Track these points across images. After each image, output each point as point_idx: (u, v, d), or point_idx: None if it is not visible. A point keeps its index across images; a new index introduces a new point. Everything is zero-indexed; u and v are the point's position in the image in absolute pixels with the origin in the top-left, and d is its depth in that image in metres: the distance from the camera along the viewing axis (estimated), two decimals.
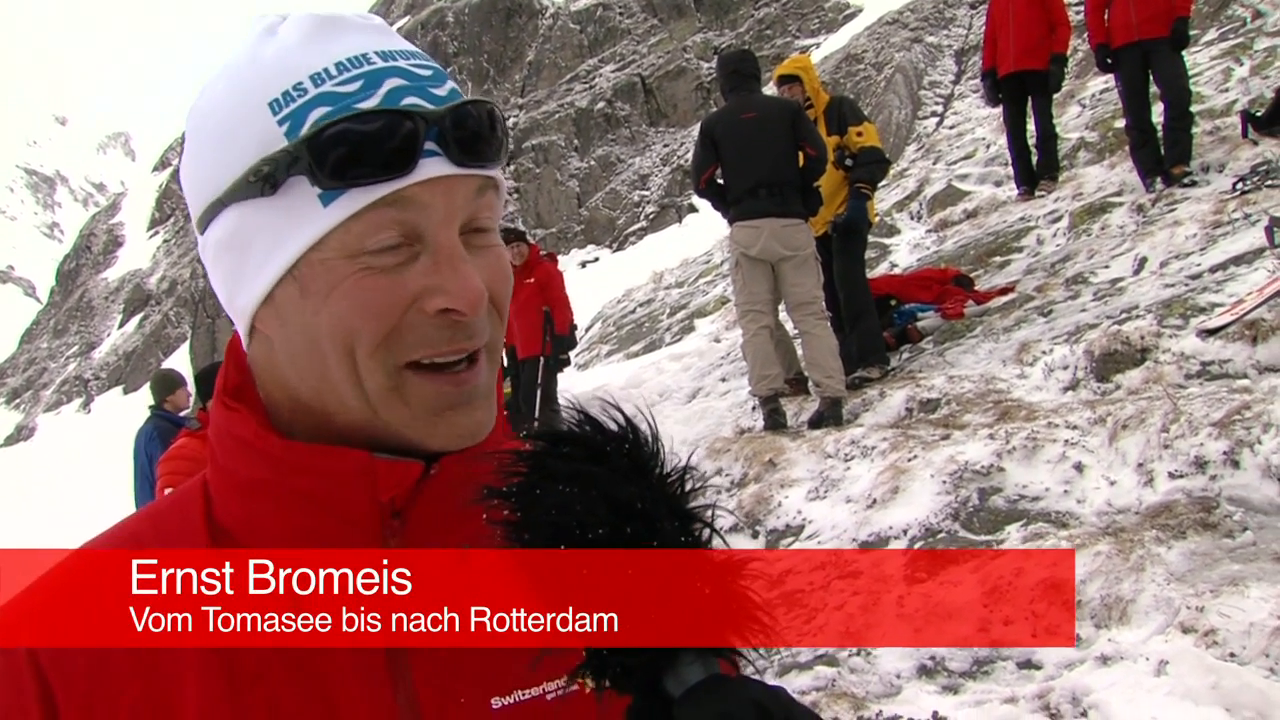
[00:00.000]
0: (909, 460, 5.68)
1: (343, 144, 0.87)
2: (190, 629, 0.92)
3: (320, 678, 0.93)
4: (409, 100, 0.92)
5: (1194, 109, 9.56)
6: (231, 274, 0.96)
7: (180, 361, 44.96)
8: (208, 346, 41.92)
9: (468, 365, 0.95)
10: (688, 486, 0.79)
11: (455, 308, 0.91)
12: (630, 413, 0.81)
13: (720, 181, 7.68)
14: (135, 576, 0.94)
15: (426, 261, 0.91)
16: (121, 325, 61.05)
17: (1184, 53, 9.46)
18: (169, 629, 0.91)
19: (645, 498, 0.75)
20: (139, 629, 0.91)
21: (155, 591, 0.93)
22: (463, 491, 0.95)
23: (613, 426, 0.79)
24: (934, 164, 16.52)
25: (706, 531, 0.78)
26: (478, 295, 0.92)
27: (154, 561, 0.96)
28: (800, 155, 7.46)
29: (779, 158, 7.42)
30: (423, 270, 0.91)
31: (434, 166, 0.90)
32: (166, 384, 8.94)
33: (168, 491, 5.66)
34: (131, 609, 0.92)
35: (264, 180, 0.90)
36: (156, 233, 69.90)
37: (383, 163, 0.88)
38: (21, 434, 54.87)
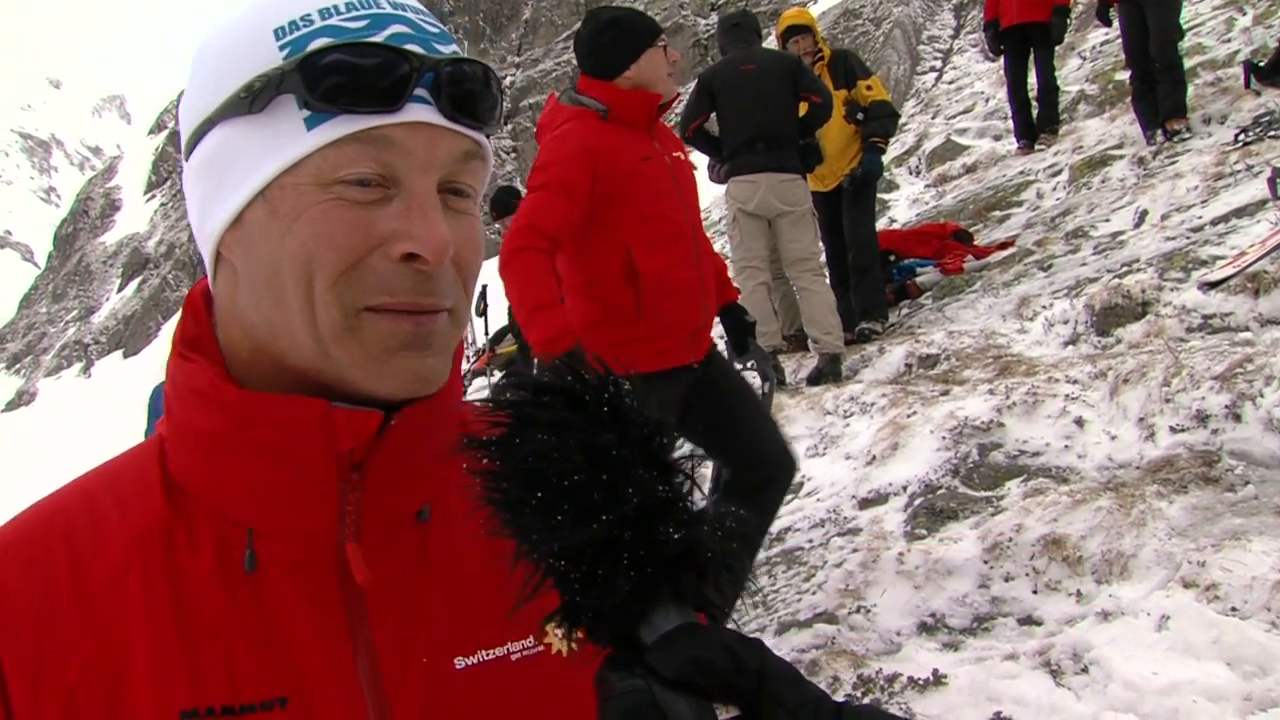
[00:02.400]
0: (908, 416, 5.65)
1: (336, 71, 0.88)
2: (139, 587, 0.92)
3: (278, 638, 0.92)
4: (410, 46, 0.92)
5: (1196, 60, 9.46)
6: (208, 194, 0.95)
7: None
8: None
9: (429, 313, 0.94)
10: (665, 438, 0.77)
11: (420, 253, 0.90)
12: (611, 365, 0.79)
13: (710, 132, 7.65)
14: (82, 533, 0.95)
15: (399, 205, 0.91)
16: (120, 289, 61.10)
17: (1184, 2, 9.34)
18: (117, 587, 0.92)
19: (622, 446, 0.74)
20: (86, 587, 0.92)
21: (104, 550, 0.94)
22: (423, 445, 0.95)
23: (593, 378, 0.78)
24: (933, 119, 16.43)
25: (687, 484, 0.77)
26: (443, 244, 0.90)
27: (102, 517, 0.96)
28: (802, 107, 7.40)
29: (777, 111, 7.36)
30: (394, 213, 0.91)
31: (421, 112, 0.91)
32: None
33: (151, 436, 5.75)
34: (78, 567, 0.93)
35: (254, 96, 0.90)
36: (154, 196, 69.82)
37: (372, 96, 0.88)
38: (22, 399, 55.05)
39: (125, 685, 0.88)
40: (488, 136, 0.99)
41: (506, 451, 0.75)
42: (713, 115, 7.65)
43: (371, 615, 0.94)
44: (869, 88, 8.25)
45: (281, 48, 0.91)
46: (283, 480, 0.94)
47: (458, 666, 0.95)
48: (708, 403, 4.01)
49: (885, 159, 9.22)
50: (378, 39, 0.91)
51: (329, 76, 0.88)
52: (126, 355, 50.53)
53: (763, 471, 4.02)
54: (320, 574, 0.95)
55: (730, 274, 4.61)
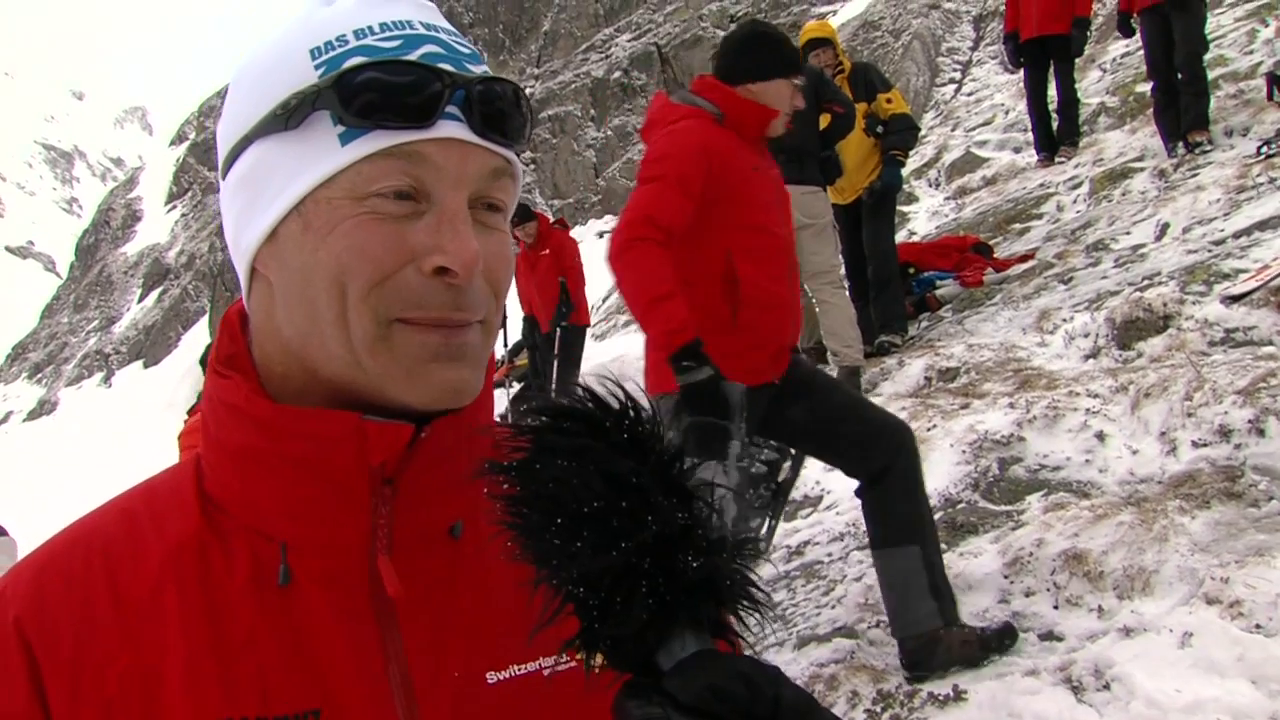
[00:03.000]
0: (928, 430, 5.64)
1: (370, 87, 0.91)
2: (175, 600, 0.94)
3: (311, 651, 0.93)
4: (442, 65, 0.94)
5: (1218, 72, 9.41)
6: (244, 210, 0.97)
7: (199, 335, 45.23)
8: None
9: (459, 325, 0.95)
10: (686, 465, 0.78)
11: (450, 267, 0.91)
12: (632, 390, 0.80)
13: None
14: (119, 548, 0.97)
15: (430, 220, 0.93)
16: (141, 300, 61.38)
17: (1208, 14, 9.30)
18: (153, 600, 0.94)
19: (642, 473, 0.74)
20: (123, 601, 0.94)
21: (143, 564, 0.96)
22: (455, 459, 0.97)
23: (614, 403, 0.78)
24: (952, 131, 16.40)
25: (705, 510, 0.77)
26: (473, 258, 0.92)
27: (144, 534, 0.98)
28: (824, 119, 7.39)
29: (800, 124, 7.35)
30: (425, 228, 0.92)
31: (453, 128, 0.93)
32: None
33: (188, 454, 5.77)
34: (116, 581, 0.95)
35: (290, 113, 0.93)
36: (174, 207, 70.15)
37: (405, 112, 0.91)
38: (44, 408, 55.29)
39: (161, 697, 0.90)
40: (517, 154, 1.00)
41: (527, 477, 0.75)
42: None
43: (403, 629, 0.95)
44: (889, 100, 8.26)
45: (317, 66, 0.94)
46: (315, 494, 0.95)
47: (489, 681, 0.96)
48: (801, 408, 3.91)
49: (905, 171, 9.21)
50: (411, 58, 0.93)
51: (363, 93, 0.91)
52: (147, 365, 50.71)
53: (875, 463, 3.87)
54: (353, 587, 0.96)
55: None
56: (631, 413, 0.78)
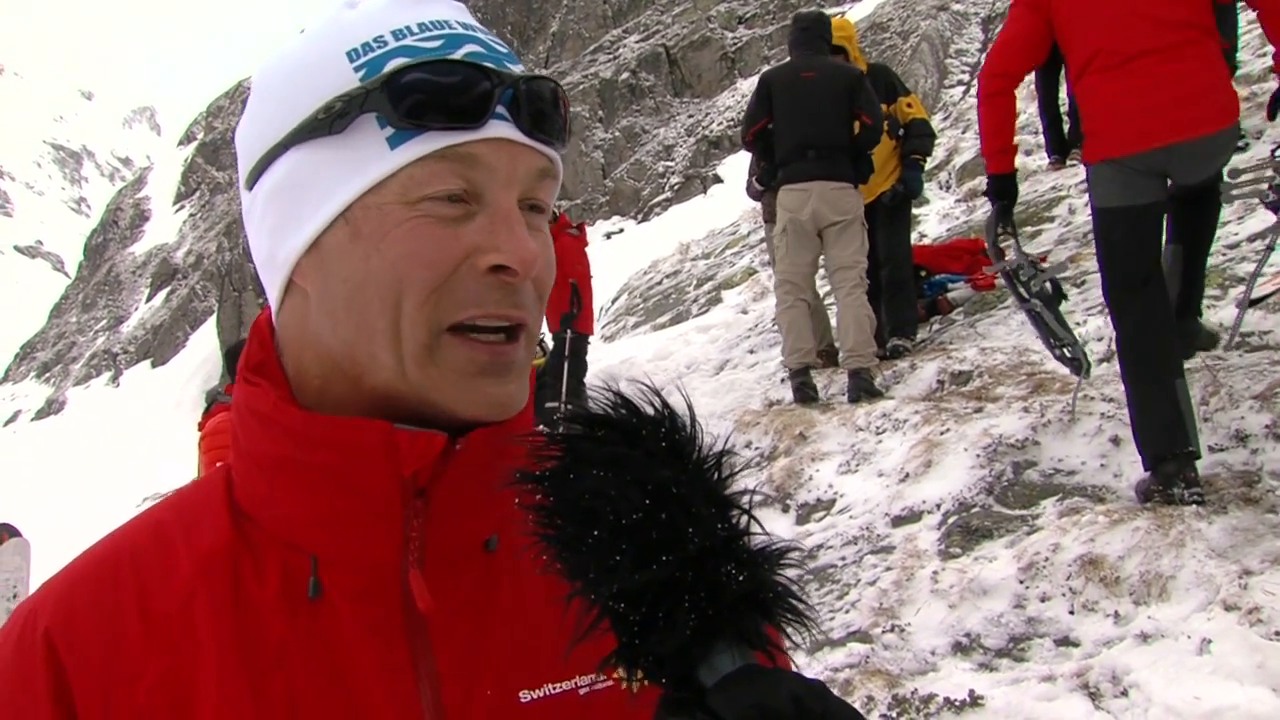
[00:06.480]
0: (942, 433, 5.62)
1: (419, 89, 0.88)
2: (205, 613, 0.92)
3: (341, 667, 0.91)
4: (487, 64, 0.92)
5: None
6: (281, 220, 0.95)
7: (207, 335, 45.33)
8: (234, 319, 42.18)
9: (506, 339, 0.94)
10: (725, 471, 0.76)
11: (508, 264, 0.90)
12: (667, 394, 0.78)
13: (769, 139, 7.65)
14: (150, 560, 0.96)
15: (483, 220, 0.91)
16: (149, 299, 61.60)
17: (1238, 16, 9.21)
18: (183, 613, 0.92)
19: (681, 482, 0.72)
20: (153, 614, 0.92)
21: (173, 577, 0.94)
22: (490, 472, 0.92)
23: (649, 409, 0.76)
24: (962, 133, 16.34)
25: (744, 518, 0.76)
26: (532, 255, 0.91)
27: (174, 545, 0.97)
28: (856, 124, 7.39)
29: (832, 121, 7.35)
30: (479, 228, 0.91)
31: (503, 128, 0.91)
32: None
33: (219, 465, 5.83)
34: (146, 593, 0.93)
35: (335, 117, 0.90)
36: (182, 207, 70.40)
37: (455, 113, 0.89)
38: (52, 408, 55.50)
39: (191, 711, 0.88)
40: (558, 153, 0.99)
41: (560, 487, 0.73)
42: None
43: (435, 645, 0.93)
44: (909, 105, 8.27)
45: (357, 69, 0.91)
46: (345, 505, 0.93)
47: (522, 700, 0.93)
48: None
49: None
50: (455, 57, 0.92)
51: (412, 94, 0.88)
52: (154, 365, 50.84)
53: None
54: (384, 602, 0.94)
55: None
56: (668, 419, 0.76)
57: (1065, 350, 5.17)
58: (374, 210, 0.90)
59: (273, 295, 1.00)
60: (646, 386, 0.78)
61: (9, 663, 0.92)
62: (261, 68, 1.00)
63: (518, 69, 0.96)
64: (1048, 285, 5.16)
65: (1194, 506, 4.08)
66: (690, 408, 0.79)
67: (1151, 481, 4.31)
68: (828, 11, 28.32)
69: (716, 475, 0.75)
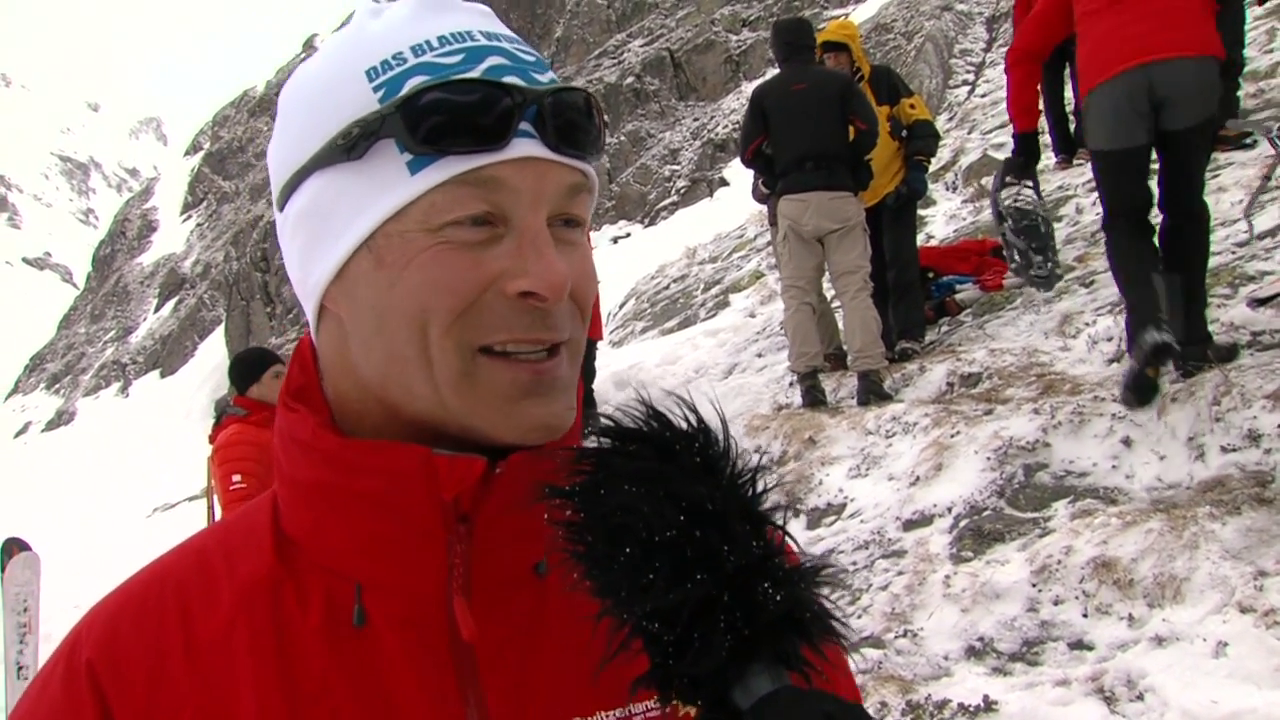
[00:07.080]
0: (952, 436, 5.59)
1: (438, 111, 0.85)
2: (246, 642, 0.90)
3: (387, 696, 0.89)
4: (509, 79, 0.89)
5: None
6: (308, 245, 0.93)
7: (216, 344, 45.38)
8: (242, 328, 42.20)
9: (547, 355, 0.91)
10: (760, 487, 0.74)
11: (536, 290, 0.87)
12: (701, 408, 0.76)
13: (768, 153, 7.67)
14: (193, 588, 0.95)
15: (510, 244, 0.88)
16: (157, 309, 61.69)
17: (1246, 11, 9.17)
18: (225, 642, 0.91)
19: (717, 499, 0.71)
20: (196, 642, 0.91)
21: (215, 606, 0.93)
22: (535, 495, 0.89)
23: (682, 423, 0.75)
24: (968, 133, 16.31)
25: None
26: (561, 280, 0.87)
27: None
28: (851, 129, 7.39)
29: (827, 130, 7.37)
30: (505, 252, 0.88)
31: (527, 147, 0.88)
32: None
33: (235, 478, 5.72)
34: (189, 621, 0.92)
35: (352, 143, 0.88)
36: (190, 217, 70.54)
37: (476, 135, 0.86)
38: (62, 419, 55.58)
39: None
40: (593, 165, 0.95)
41: (591, 503, 0.72)
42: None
43: (483, 675, 0.91)
44: (912, 106, 8.25)
45: (376, 89, 0.89)
46: (387, 531, 0.91)
47: None
48: None
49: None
50: (475, 74, 0.88)
51: (430, 117, 0.85)
52: (163, 375, 50.87)
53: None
54: (430, 631, 0.91)
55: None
56: (702, 433, 0.74)
57: (1034, 272, 6.27)
58: (396, 238, 0.88)
59: (310, 319, 0.98)
60: (681, 399, 0.77)
61: (55, 694, 0.91)
62: (286, 86, 0.98)
63: (546, 77, 0.93)
64: (1024, 201, 6.05)
65: (1207, 508, 4.05)
66: (724, 422, 0.77)
67: (1130, 362, 4.92)
68: (834, 13, 28.23)
69: (751, 491, 0.74)
